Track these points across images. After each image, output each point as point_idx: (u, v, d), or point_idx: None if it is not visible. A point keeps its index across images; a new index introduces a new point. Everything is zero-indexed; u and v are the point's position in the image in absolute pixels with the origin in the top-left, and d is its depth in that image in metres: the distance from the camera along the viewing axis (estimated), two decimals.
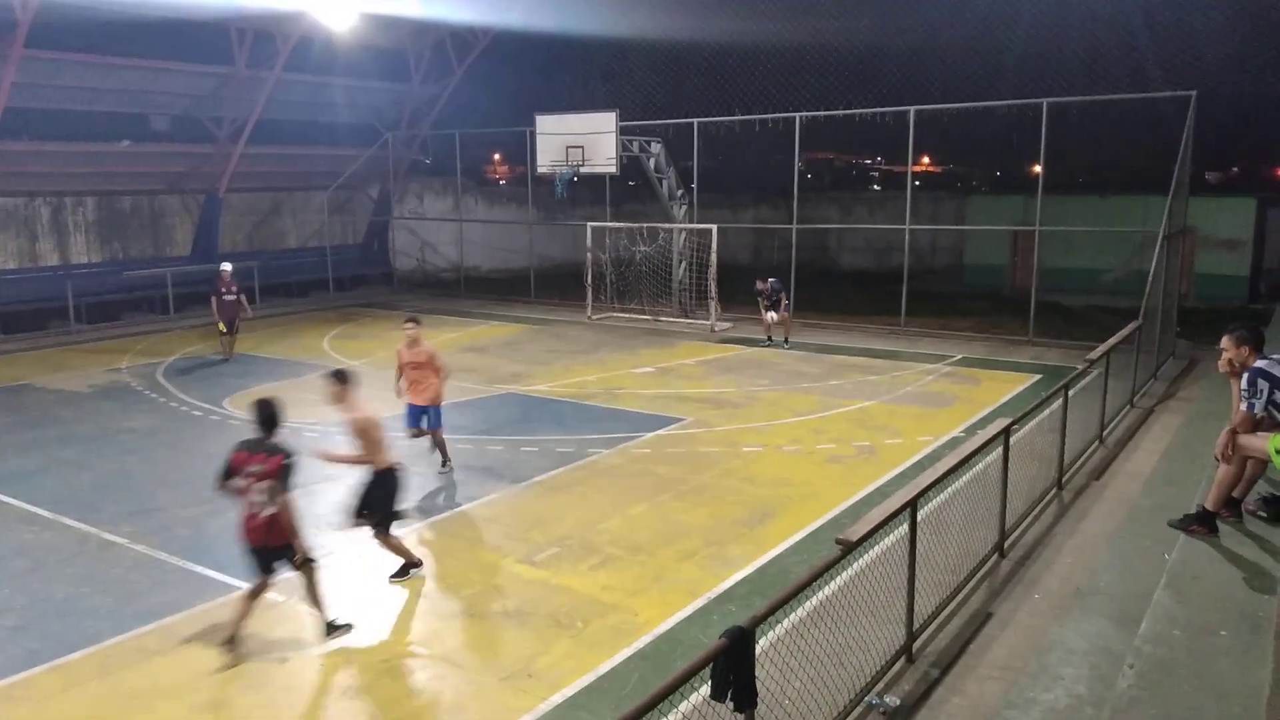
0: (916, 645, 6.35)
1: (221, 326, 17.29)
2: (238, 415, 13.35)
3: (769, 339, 18.65)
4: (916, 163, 22.55)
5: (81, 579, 7.92)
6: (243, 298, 17.59)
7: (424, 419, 10.65)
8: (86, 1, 18.36)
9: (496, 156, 39.78)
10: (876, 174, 47.25)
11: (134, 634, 6.90)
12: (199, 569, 8.07)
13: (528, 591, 7.54)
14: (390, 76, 26.65)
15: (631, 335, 20.05)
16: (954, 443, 11.39)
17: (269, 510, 6.62)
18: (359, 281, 27.59)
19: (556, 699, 5.97)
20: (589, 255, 22.23)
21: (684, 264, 21.92)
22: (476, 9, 23.61)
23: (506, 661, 6.45)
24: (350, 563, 8.25)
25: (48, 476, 10.67)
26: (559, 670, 6.31)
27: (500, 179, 38.74)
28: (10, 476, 10.58)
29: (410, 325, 10.63)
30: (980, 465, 8.02)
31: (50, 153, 21.70)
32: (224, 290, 17.28)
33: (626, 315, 21.95)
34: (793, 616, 5.84)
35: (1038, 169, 19.61)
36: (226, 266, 17.91)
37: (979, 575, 7.53)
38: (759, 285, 18.55)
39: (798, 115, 20.85)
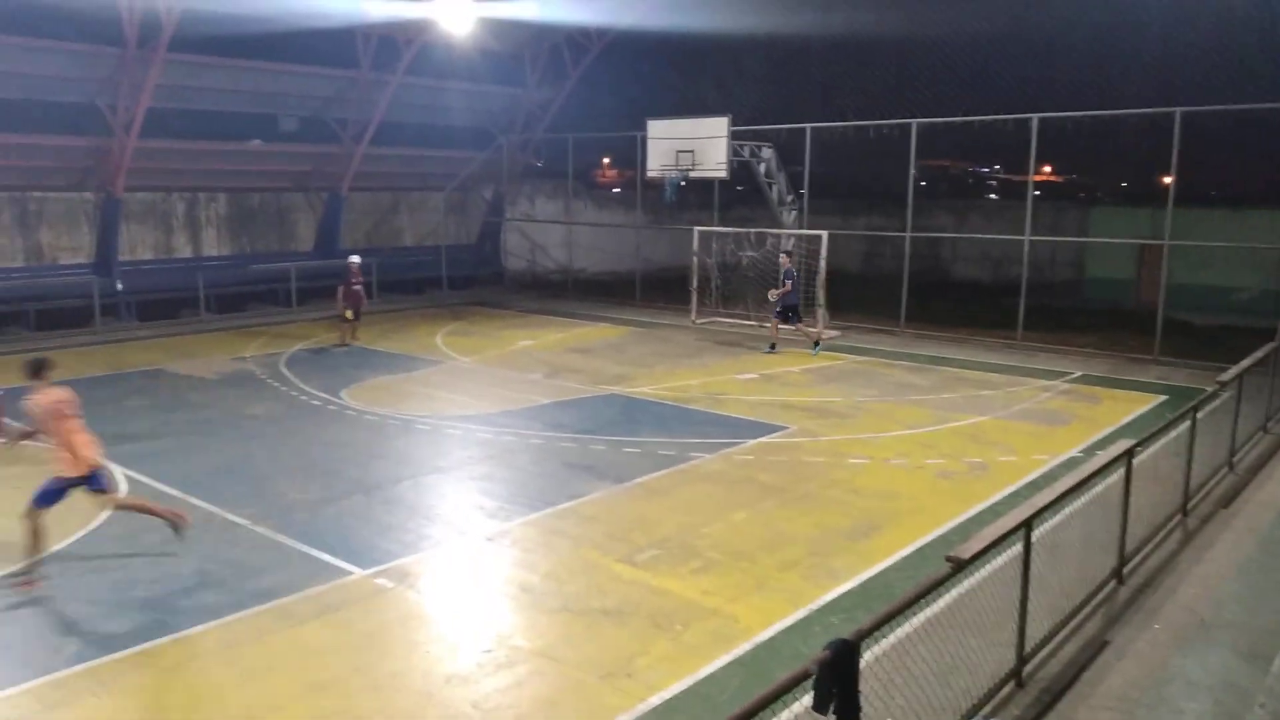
0: (1027, 670, 6.13)
1: (348, 314, 18.56)
2: (354, 406, 13.82)
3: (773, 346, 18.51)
4: (1037, 172, 21.78)
5: (206, 556, 8.31)
6: (362, 290, 18.98)
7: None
8: (225, 9, 19.28)
9: (606, 160, 40.17)
10: (994, 182, 45.85)
11: (252, 611, 7.21)
12: (314, 552, 8.37)
13: (628, 591, 7.58)
14: (506, 81, 27.20)
15: (736, 341, 19.97)
16: (1071, 463, 10.98)
17: None
18: (471, 280, 28.21)
19: (654, 700, 5.98)
20: (695, 259, 22.24)
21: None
22: (592, 10, 23.86)
23: (605, 660, 6.50)
24: (462, 552, 8.45)
25: (178, 457, 11.25)
26: (657, 672, 6.33)
27: (609, 182, 39.09)
28: (144, 456, 11.19)
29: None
30: (1100, 487, 7.70)
31: (187, 151, 22.89)
32: (353, 281, 18.71)
33: (731, 320, 21.86)
34: (898, 632, 5.70)
35: (1168, 180, 18.72)
36: (355, 259, 19.27)
37: (1095, 601, 7.23)
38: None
39: (914, 121, 20.42)
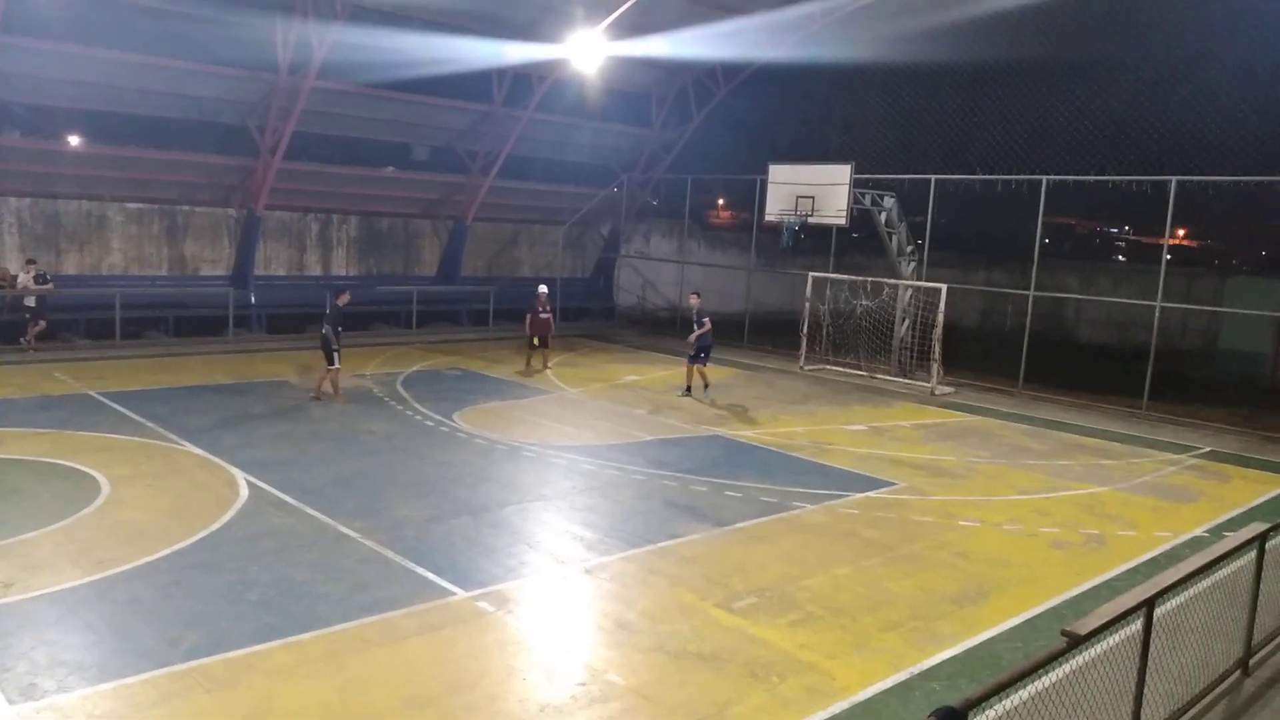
0: None
1: (534, 340, 19.31)
2: (465, 429, 14.16)
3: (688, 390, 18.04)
4: (1172, 235, 20.95)
5: (318, 565, 8.61)
6: (551, 318, 19.79)
7: None
8: (371, 42, 20.26)
9: (721, 201, 40.39)
10: (1123, 244, 44.25)
11: (358, 623, 7.42)
12: (420, 570, 8.57)
13: (724, 638, 7.51)
14: (632, 120, 27.72)
15: (844, 390, 19.69)
16: (1195, 542, 10.43)
17: None
18: (583, 313, 28.66)
19: None
20: (807, 305, 22.10)
21: (907, 322, 21.33)
22: (720, 48, 24.11)
23: (699, 705, 6.45)
24: (561, 582, 8.54)
25: (297, 467, 11.71)
26: None
27: (724, 224, 39.26)
28: (267, 463, 11.69)
29: None
30: (1226, 571, 7.29)
31: (326, 174, 24.03)
32: (540, 309, 19.41)
33: (841, 369, 21.59)
34: (1005, 704, 5.50)
35: None
36: (544, 288, 19.98)
37: (1217, 691, 6.82)
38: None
39: (1044, 178, 19.93)
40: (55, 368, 17.18)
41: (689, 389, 17.97)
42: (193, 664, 6.63)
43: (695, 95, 27.04)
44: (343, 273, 25.07)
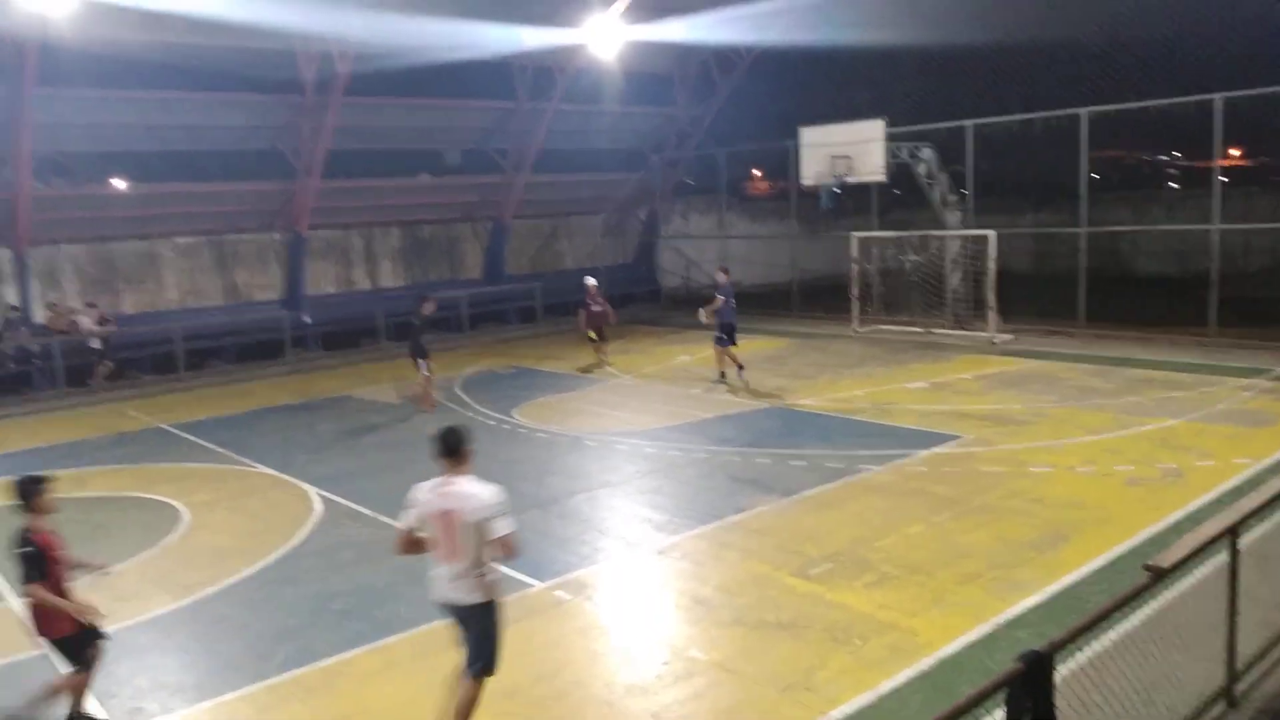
0: (1239, 688, 5.69)
1: (591, 334, 18.94)
2: (526, 424, 14.31)
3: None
4: (1224, 156, 20.29)
5: (396, 570, 8.73)
6: (609, 308, 19.18)
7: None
8: (391, 44, 20.40)
9: (758, 172, 40.05)
10: (1174, 170, 42.99)
11: (442, 623, 7.52)
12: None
13: (802, 605, 7.51)
14: (656, 101, 27.61)
15: (901, 349, 19.47)
16: (1278, 467, 10.14)
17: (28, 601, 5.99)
18: (629, 299, 28.65)
19: (836, 715, 5.90)
20: (854, 267, 21.86)
21: (959, 273, 20.99)
22: (738, 28, 23.91)
23: (783, 672, 6.46)
24: (635, 565, 8.60)
25: (367, 477, 11.93)
26: (837, 686, 6.24)
27: (762, 194, 38.95)
28: (337, 476, 11.93)
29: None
30: None
31: (363, 188, 24.37)
32: (591, 302, 18.95)
33: (895, 328, 21.33)
34: (1094, 646, 5.39)
35: None
36: (591, 280, 19.44)
37: None
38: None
39: (1083, 111, 19.44)
40: (126, 405, 17.69)
41: (723, 374, 16.77)
42: (286, 676, 6.82)
43: (719, 68, 26.81)
44: (391, 284, 25.41)
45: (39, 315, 19.90)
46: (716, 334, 16.77)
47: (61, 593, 5.99)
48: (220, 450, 13.67)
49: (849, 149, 20.58)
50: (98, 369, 19.60)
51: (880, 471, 11.00)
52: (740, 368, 16.68)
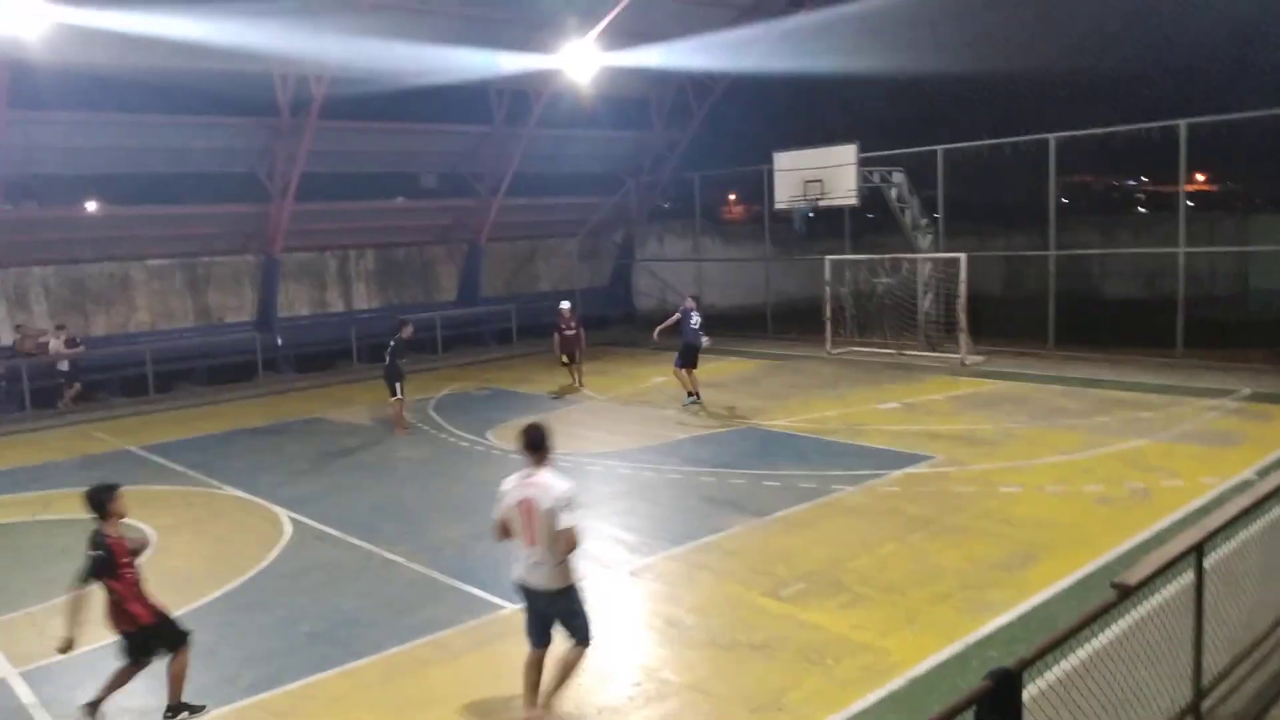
0: (1206, 705, 5.73)
1: (564, 359, 18.71)
2: (499, 446, 14.24)
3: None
4: (1189, 181, 20.66)
5: (365, 593, 8.69)
6: (581, 331, 18.89)
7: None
8: (368, 76, 20.48)
9: (732, 196, 40.32)
10: (1142, 195, 43.75)
11: (412, 644, 7.48)
12: (467, 588, 8.63)
13: (775, 626, 7.49)
14: (632, 125, 27.78)
15: (874, 370, 19.59)
16: (1244, 485, 10.26)
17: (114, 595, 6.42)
18: (604, 321, 28.70)
19: None
20: (828, 288, 22.01)
21: (930, 295, 21.18)
22: (713, 55, 24.18)
23: (756, 693, 6.44)
24: (607, 586, 8.56)
25: (337, 499, 11.82)
26: (810, 706, 6.22)
27: (737, 218, 39.21)
28: (307, 499, 11.81)
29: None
30: (1279, 510, 7.17)
31: (338, 211, 24.30)
32: (564, 326, 18.66)
33: (868, 349, 21.48)
34: (1062, 665, 5.44)
35: None
36: (565, 304, 19.23)
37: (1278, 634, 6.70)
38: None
39: (1051, 136, 19.75)
40: (94, 427, 17.46)
41: (694, 395, 16.45)
42: (253, 699, 6.72)
43: (694, 93, 27.03)
44: (364, 306, 25.31)
45: (6, 337, 19.63)
46: (677, 356, 16.71)
47: (138, 592, 6.50)
48: (188, 472, 13.51)
49: (822, 173, 20.78)
50: (66, 391, 19.35)
51: (853, 492, 11.03)
52: (692, 394, 16.44)
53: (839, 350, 21.75)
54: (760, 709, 6.23)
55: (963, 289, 19.45)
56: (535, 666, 6.18)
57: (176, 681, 6.54)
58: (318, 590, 8.78)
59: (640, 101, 27.25)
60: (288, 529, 10.63)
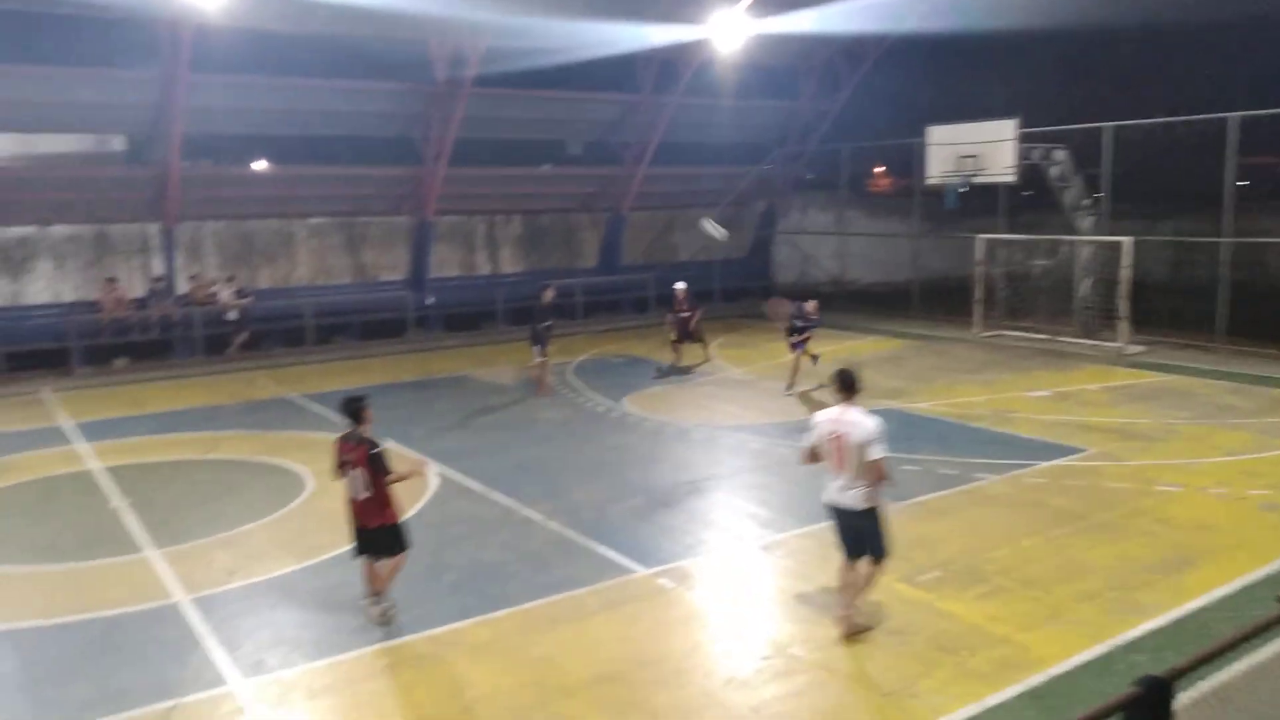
0: None
1: (674, 336, 18.26)
2: (635, 413, 14.44)
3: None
4: None
5: (505, 547, 9.01)
6: (696, 314, 18.18)
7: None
8: (524, 46, 20.83)
9: (880, 169, 39.23)
10: None
11: (546, 601, 7.73)
12: (601, 550, 8.83)
13: (909, 612, 7.38)
14: (780, 95, 27.34)
15: (1024, 355, 18.83)
16: None
17: (365, 495, 7.24)
18: (742, 293, 28.52)
19: None
20: (979, 268, 21.23)
21: (1089, 280, 20.14)
22: (868, 19, 23.42)
23: (887, 678, 6.38)
24: (739, 558, 8.62)
25: (480, 455, 12.25)
26: (942, 695, 6.13)
27: (884, 191, 38.16)
28: (452, 453, 12.28)
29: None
30: None
31: (488, 176, 24.92)
32: (678, 307, 18.16)
33: (1019, 334, 20.62)
34: (1218, 677, 5.17)
35: None
36: (680, 285, 18.55)
37: None
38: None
39: (1232, 116, 18.37)
40: (258, 375, 18.60)
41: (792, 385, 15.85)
42: (398, 641, 7.10)
43: (844, 64, 26.35)
44: (510, 270, 25.93)
45: (182, 286, 21.09)
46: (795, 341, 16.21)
47: (391, 493, 7.35)
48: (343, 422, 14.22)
49: (978, 148, 19.98)
50: (234, 339, 20.66)
51: (997, 481, 10.70)
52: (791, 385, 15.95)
53: (987, 333, 20.99)
54: (891, 694, 6.17)
55: (1125, 274, 18.42)
56: (848, 573, 7.03)
57: (391, 575, 7.40)
58: (460, 541, 9.15)
59: (789, 70, 26.77)
60: (433, 481, 11.10)
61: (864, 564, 7.00)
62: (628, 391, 16.02)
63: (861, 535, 6.93)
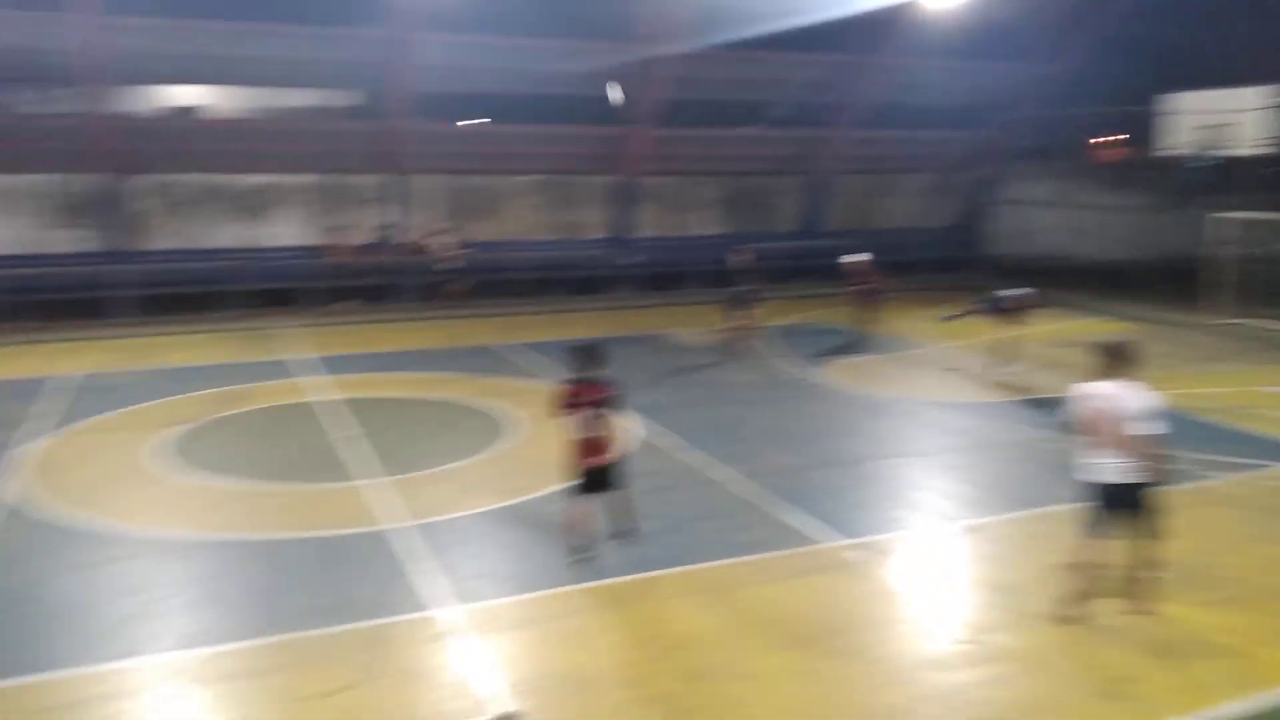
0: None
1: (861, 307, 17.61)
2: (833, 382, 14.19)
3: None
4: None
5: (698, 503, 9.11)
6: (878, 285, 17.55)
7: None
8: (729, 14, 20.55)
9: (1111, 138, 36.36)
10: None
11: (737, 560, 7.75)
12: (789, 517, 8.74)
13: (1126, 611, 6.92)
14: (1002, 55, 25.74)
15: (1267, 347, 17.13)
16: None
17: (597, 434, 7.52)
18: (954, 264, 27.31)
19: None
20: (1218, 250, 19.39)
21: None
22: None
23: (1097, 677, 6.01)
24: (936, 538, 8.36)
25: (677, 412, 12.35)
26: (1160, 702, 5.71)
27: (1112, 161, 35.40)
28: (648, 408, 12.26)
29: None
30: None
31: (691, 137, 24.92)
32: (860, 279, 17.55)
33: (1262, 323, 18.74)
34: None
35: None
36: (863, 256, 17.84)
37: None
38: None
39: None
40: (469, 322, 19.57)
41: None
42: (599, 583, 7.32)
43: (1076, 21, 24.47)
44: (711, 231, 25.95)
45: (406, 235, 22.40)
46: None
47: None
48: (548, 372, 14.76)
49: (1224, 118, 18.17)
50: (451, 288, 21.79)
51: (1230, 480, 9.82)
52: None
53: (1225, 320, 19.20)
54: (1103, 694, 5.81)
55: None
56: (1095, 557, 6.72)
57: (624, 511, 7.83)
58: (656, 494, 9.20)
59: (1012, 29, 25.11)
60: (639, 436, 11.28)
61: (1131, 547, 6.71)
62: (823, 360, 15.77)
63: (1135, 514, 6.61)
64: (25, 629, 6.67)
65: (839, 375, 14.73)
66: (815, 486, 9.64)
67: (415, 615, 6.84)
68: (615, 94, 22.71)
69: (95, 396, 13.36)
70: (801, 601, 7.08)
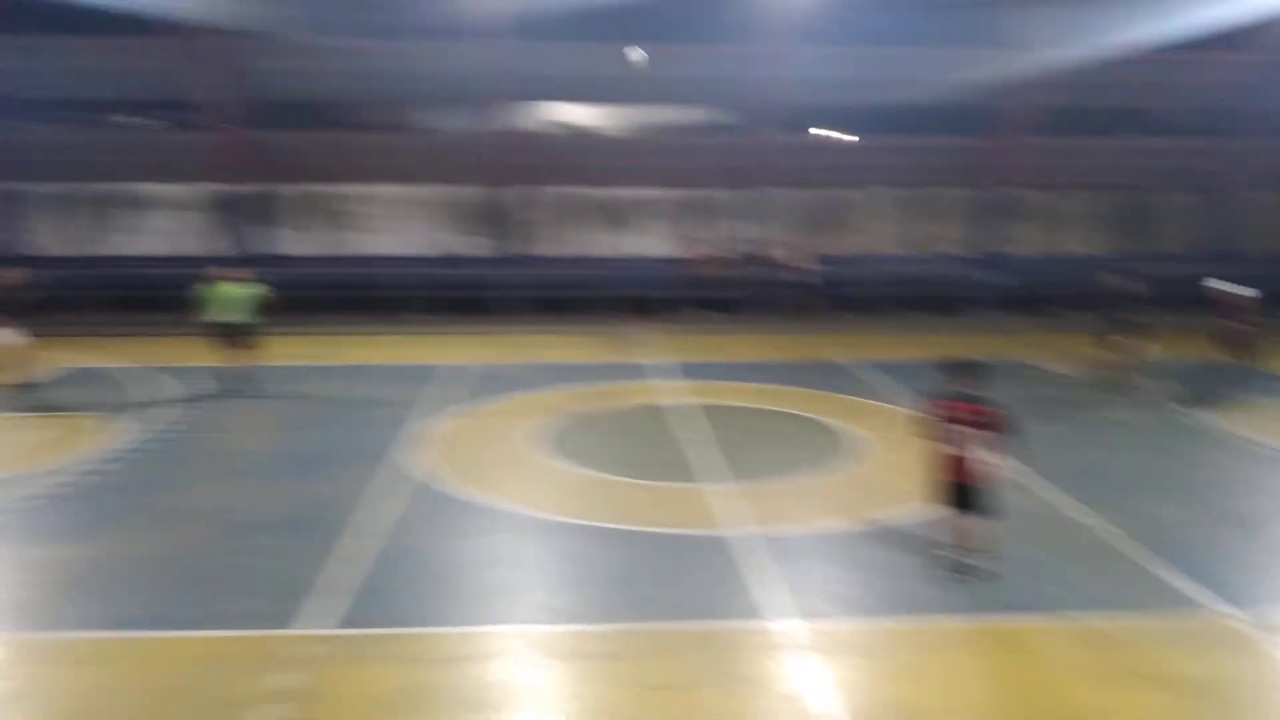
0: None
1: (1230, 346, 15.68)
2: (1225, 428, 12.48)
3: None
4: None
5: (1055, 547, 8.35)
6: (1259, 329, 15.38)
7: None
8: None
9: None
10: None
11: (1094, 614, 7.02)
12: (1165, 571, 7.81)
13: None
14: None
15: None
16: None
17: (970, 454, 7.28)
18: None
19: None
20: None
21: None
22: None
23: None
24: None
25: (1037, 449, 11.36)
26: None
27: None
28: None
29: None
30: None
31: (1063, 148, 23.13)
32: (1237, 317, 15.47)
33: None
34: None
35: None
36: (1249, 292, 15.60)
37: None
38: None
39: None
40: (820, 338, 19.55)
41: None
42: (954, 617, 7.02)
43: None
44: (1087, 251, 23.90)
45: (762, 249, 22.89)
46: None
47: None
48: (895, 393, 14.36)
49: None
50: (806, 303, 21.86)
51: None
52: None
53: None
54: None
55: None
56: None
57: (984, 539, 7.65)
58: (1009, 533, 8.46)
59: None
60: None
61: None
62: (1220, 402, 13.90)
63: None
64: (422, 586, 7.64)
65: (1234, 420, 12.92)
66: (1201, 544, 8.53)
67: (752, 623, 6.94)
68: (637, 57, 21.32)
69: (479, 384, 15.05)
70: (1189, 673, 6.25)
